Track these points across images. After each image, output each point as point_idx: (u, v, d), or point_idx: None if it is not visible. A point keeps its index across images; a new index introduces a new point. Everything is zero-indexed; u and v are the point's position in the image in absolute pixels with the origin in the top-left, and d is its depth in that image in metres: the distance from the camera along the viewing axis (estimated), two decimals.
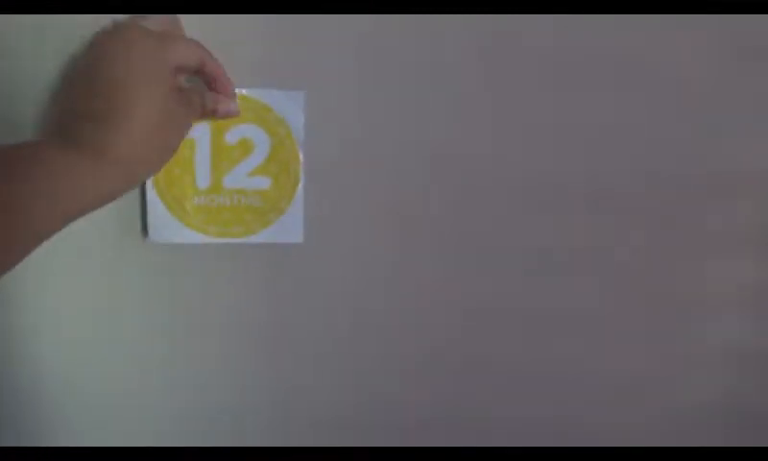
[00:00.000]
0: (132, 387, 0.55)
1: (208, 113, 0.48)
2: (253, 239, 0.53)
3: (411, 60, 0.52)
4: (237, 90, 0.50)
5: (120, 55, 0.41)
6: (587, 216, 0.57)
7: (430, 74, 0.52)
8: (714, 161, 0.58)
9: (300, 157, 0.52)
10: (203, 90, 0.48)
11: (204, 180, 0.52)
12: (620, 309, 0.61)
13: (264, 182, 0.53)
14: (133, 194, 0.51)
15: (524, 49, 0.53)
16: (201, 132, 0.51)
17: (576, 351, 0.61)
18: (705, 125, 0.57)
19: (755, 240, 0.60)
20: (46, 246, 0.39)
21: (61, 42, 0.46)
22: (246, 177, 0.52)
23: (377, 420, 0.60)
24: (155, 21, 0.44)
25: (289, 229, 0.54)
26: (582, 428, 0.63)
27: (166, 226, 0.52)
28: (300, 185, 0.53)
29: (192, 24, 0.47)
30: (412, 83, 0.52)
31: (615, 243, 0.58)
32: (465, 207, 0.56)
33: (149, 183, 0.51)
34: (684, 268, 0.60)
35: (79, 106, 0.42)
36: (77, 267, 0.52)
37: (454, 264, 0.57)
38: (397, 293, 0.57)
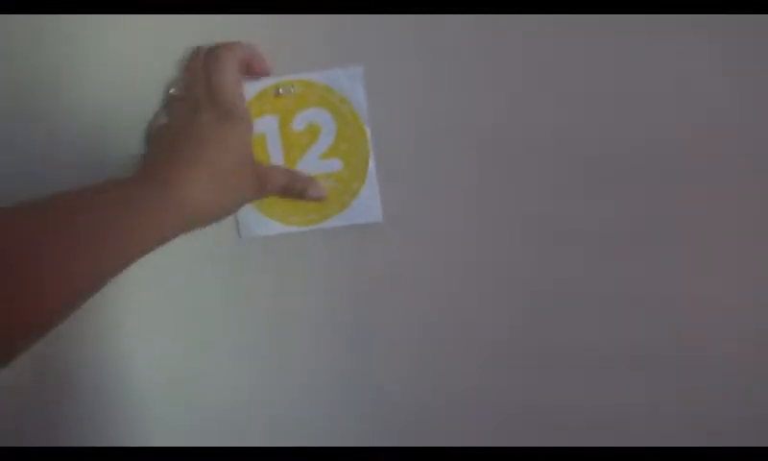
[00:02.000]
0: (227, 384, 0.58)
1: (296, 193, 0.51)
2: (333, 223, 0.53)
3: (469, 32, 0.48)
4: (297, 76, 0.50)
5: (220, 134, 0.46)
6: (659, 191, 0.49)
7: (491, 44, 0.48)
8: None
9: (368, 132, 0.51)
10: (292, 173, 0.52)
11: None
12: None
13: (336, 164, 0.52)
14: None
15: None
16: (269, 125, 0.52)
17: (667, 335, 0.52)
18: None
19: None
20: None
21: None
22: (317, 161, 0.52)
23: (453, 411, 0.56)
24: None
25: (367, 208, 0.53)
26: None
27: (254, 221, 0.54)
28: (372, 162, 0.52)
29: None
30: (472, 54, 0.49)
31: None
32: (539, 184, 0.50)
33: None
34: None
35: (167, 150, 0.46)
36: (176, 269, 0.55)
37: (533, 241, 0.52)
38: (478, 272, 0.53)
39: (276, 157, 0.52)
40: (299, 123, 0.52)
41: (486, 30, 0.48)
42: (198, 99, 0.47)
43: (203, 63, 0.48)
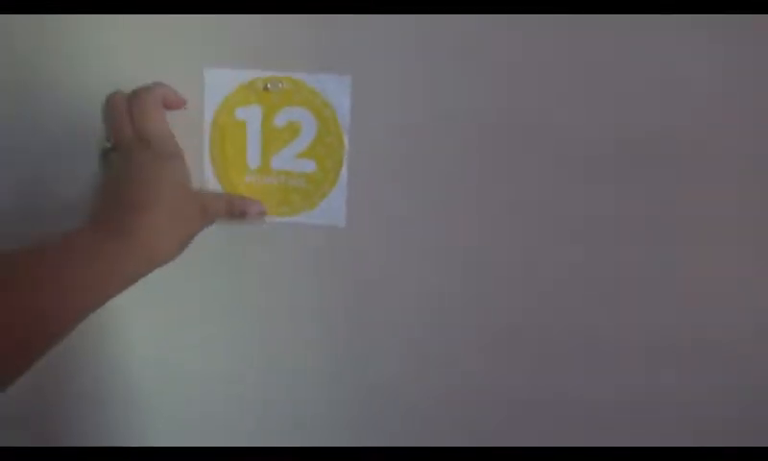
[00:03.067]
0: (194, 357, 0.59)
1: (237, 215, 0.53)
2: (298, 220, 0.55)
3: (456, 46, 0.51)
4: (287, 73, 0.52)
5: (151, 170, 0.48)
6: (642, 182, 0.52)
7: (475, 61, 0.51)
8: None
9: (345, 142, 0.53)
10: (229, 197, 0.54)
11: (254, 160, 0.54)
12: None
13: (309, 165, 0.54)
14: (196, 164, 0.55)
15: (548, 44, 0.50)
16: (252, 114, 0.53)
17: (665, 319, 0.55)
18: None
19: None
20: None
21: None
22: (293, 159, 0.54)
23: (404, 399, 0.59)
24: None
25: (332, 212, 0.55)
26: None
27: None
28: (344, 170, 0.54)
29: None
30: (457, 69, 0.51)
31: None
32: (509, 188, 0.53)
33: (207, 162, 0.55)
34: None
35: (113, 197, 0.48)
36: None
37: (496, 246, 0.55)
38: (437, 280, 0.56)
39: (254, 147, 0.54)
40: (281, 119, 0.54)
41: (472, 42, 0.51)
42: (130, 143, 0.49)
43: (126, 108, 0.50)
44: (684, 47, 0.49)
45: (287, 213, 0.55)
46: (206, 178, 0.55)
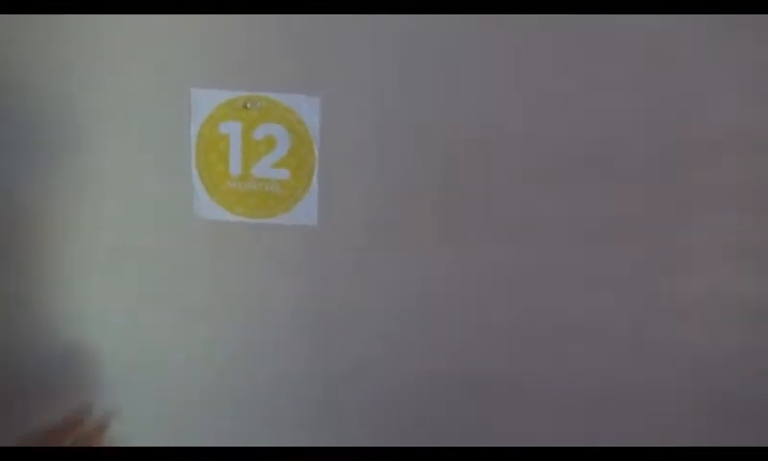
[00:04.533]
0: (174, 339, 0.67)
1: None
2: (275, 221, 0.63)
3: (416, 66, 0.59)
4: (265, 94, 0.60)
5: None
6: (600, 183, 0.61)
7: (431, 78, 0.59)
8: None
9: (316, 152, 0.61)
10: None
11: (235, 168, 0.62)
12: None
13: (284, 174, 0.62)
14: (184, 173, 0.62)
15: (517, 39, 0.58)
16: (233, 129, 0.61)
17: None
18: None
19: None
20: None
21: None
22: (270, 168, 0.62)
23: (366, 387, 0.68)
24: None
25: (304, 213, 0.63)
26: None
27: (206, 205, 0.63)
28: (315, 177, 0.62)
29: (220, 30, 0.58)
30: (416, 87, 0.60)
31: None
32: (463, 190, 0.62)
33: (193, 170, 0.62)
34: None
35: None
36: (137, 238, 0.64)
37: (447, 242, 0.64)
38: (399, 273, 0.64)
39: (235, 157, 0.62)
40: (259, 133, 0.61)
41: (442, 54, 0.59)
42: None
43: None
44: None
45: (265, 216, 0.63)
46: (193, 184, 0.62)
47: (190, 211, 0.63)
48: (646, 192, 0.61)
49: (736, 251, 0.62)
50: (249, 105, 0.60)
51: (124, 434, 0.66)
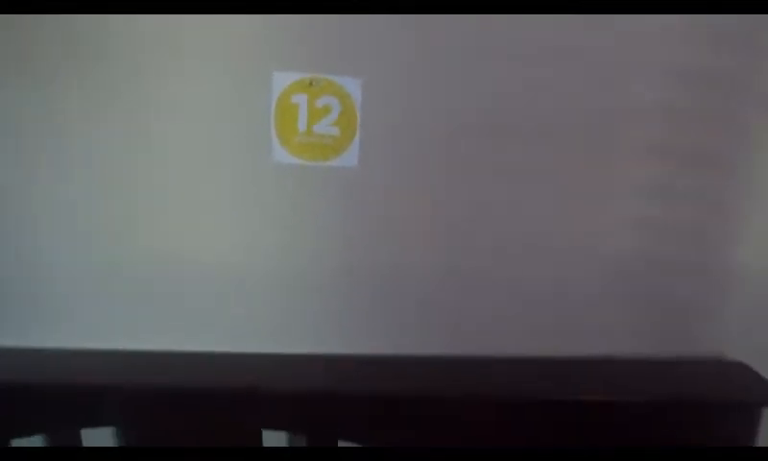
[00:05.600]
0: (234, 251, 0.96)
1: None
2: (327, 163, 0.91)
3: (429, 57, 0.87)
4: (324, 76, 0.87)
5: None
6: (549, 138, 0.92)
7: (440, 67, 0.88)
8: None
9: (358, 117, 0.89)
10: None
11: (302, 126, 0.90)
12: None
13: (336, 131, 0.90)
14: (266, 130, 0.89)
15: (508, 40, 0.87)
16: (301, 100, 0.89)
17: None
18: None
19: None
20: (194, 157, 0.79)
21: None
22: (326, 127, 0.90)
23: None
24: None
25: (349, 159, 0.91)
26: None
27: (279, 151, 0.91)
28: (357, 134, 0.90)
29: (293, 27, 0.85)
30: (430, 73, 0.88)
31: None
32: (464, 145, 0.92)
33: (273, 129, 0.89)
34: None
35: None
36: (231, 177, 0.92)
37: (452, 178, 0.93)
38: (417, 210, 0.94)
39: (302, 120, 0.89)
40: (319, 102, 0.89)
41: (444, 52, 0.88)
42: None
43: None
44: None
45: (321, 160, 0.91)
46: (272, 138, 0.90)
47: (269, 156, 0.91)
48: (575, 145, 0.92)
49: (644, 189, 0.94)
50: (313, 83, 0.88)
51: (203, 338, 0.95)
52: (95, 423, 0.93)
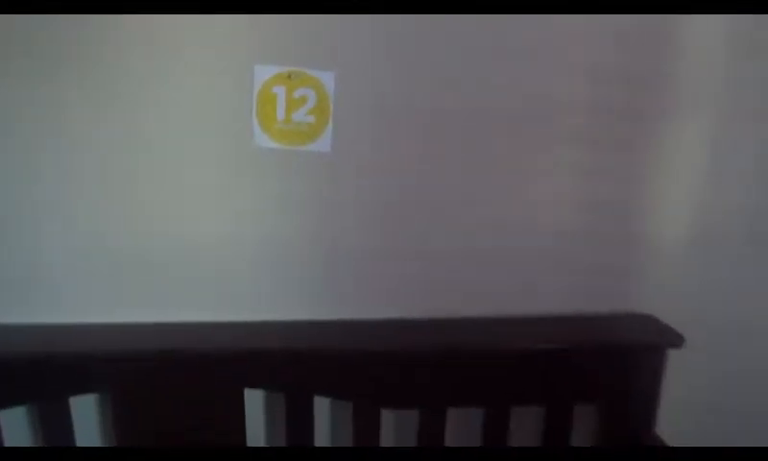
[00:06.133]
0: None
1: None
2: (303, 148, 1.02)
3: (395, 50, 0.99)
4: (301, 69, 0.97)
5: None
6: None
7: (408, 58, 1.00)
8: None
9: (331, 107, 1.00)
10: None
11: (281, 115, 1.00)
12: None
13: (311, 119, 1.01)
14: (248, 117, 0.99)
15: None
16: (280, 91, 0.98)
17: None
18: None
19: None
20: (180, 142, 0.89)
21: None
22: (303, 115, 1.00)
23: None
24: None
25: (322, 144, 1.02)
26: None
27: (261, 137, 1.00)
28: (330, 122, 1.01)
29: (272, 25, 0.95)
30: (397, 64, 1.00)
31: None
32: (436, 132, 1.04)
33: (254, 117, 0.99)
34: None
35: None
36: (214, 159, 1.00)
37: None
38: (380, 182, 1.06)
39: (281, 108, 0.99)
40: (297, 93, 0.99)
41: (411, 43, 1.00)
42: None
43: None
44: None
45: (298, 145, 1.02)
46: (254, 124, 0.99)
47: (252, 141, 1.00)
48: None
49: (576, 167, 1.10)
50: (291, 76, 0.98)
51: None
52: (103, 387, 1.02)
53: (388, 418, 1.13)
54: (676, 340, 1.08)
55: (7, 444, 1.03)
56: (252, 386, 1.05)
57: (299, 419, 1.08)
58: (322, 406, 1.12)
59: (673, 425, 1.13)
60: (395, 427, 1.16)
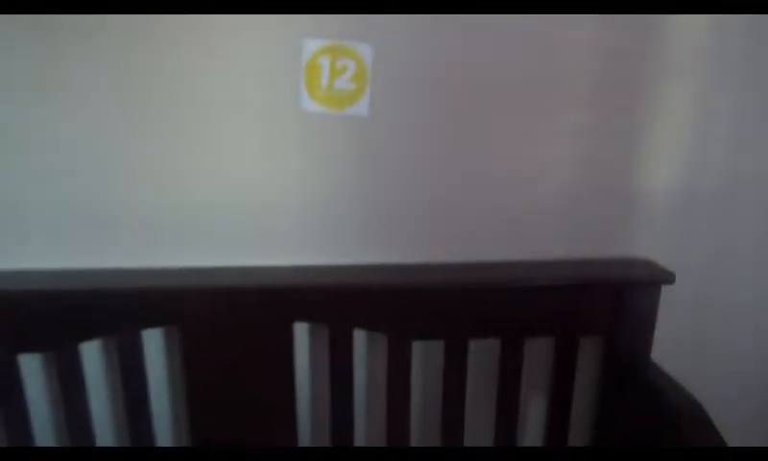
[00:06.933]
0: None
1: None
2: (344, 112, 1.18)
3: (423, 30, 1.15)
4: (342, 42, 1.14)
5: None
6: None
7: (438, 33, 1.16)
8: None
9: (369, 76, 1.16)
10: None
11: (325, 82, 1.16)
12: None
13: (352, 86, 1.17)
14: (297, 85, 1.15)
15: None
16: (324, 62, 1.14)
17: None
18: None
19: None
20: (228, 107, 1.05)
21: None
22: (344, 82, 1.16)
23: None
24: None
25: (361, 109, 1.18)
26: None
27: (307, 101, 1.17)
28: (368, 90, 1.17)
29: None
30: (425, 42, 1.16)
31: None
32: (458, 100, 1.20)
33: (302, 84, 1.15)
34: None
35: None
36: (266, 121, 1.17)
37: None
38: (413, 149, 1.22)
39: (325, 77, 1.15)
40: (339, 63, 1.15)
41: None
42: None
43: None
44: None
45: (339, 109, 1.18)
46: (301, 91, 1.15)
47: (300, 106, 1.16)
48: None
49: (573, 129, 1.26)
50: (334, 48, 1.14)
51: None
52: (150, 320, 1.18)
53: (417, 348, 1.29)
54: (668, 278, 1.24)
55: (86, 374, 1.20)
56: (300, 319, 1.21)
57: (339, 349, 1.24)
58: (359, 338, 1.28)
59: (666, 353, 1.29)
60: (423, 357, 1.32)
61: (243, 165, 1.19)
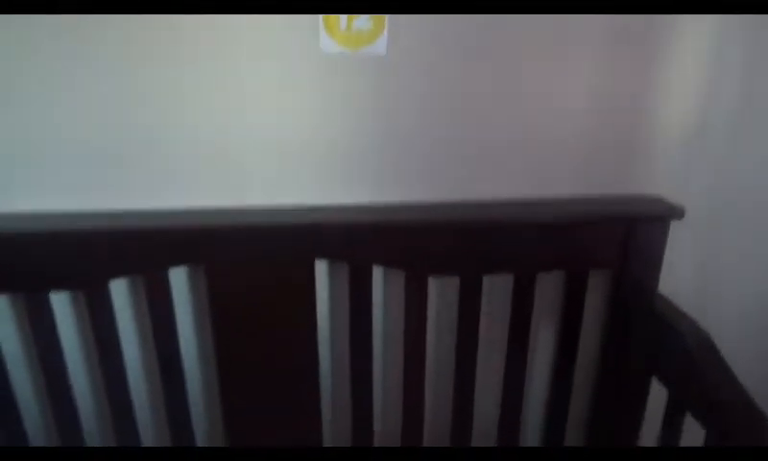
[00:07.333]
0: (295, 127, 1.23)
1: None
2: (363, 51, 1.19)
3: None
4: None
5: None
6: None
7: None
8: None
9: (386, 21, 1.17)
10: None
11: (344, 23, 1.17)
12: None
13: (369, 25, 1.17)
14: (317, 25, 1.15)
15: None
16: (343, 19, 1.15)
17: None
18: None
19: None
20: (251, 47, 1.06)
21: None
22: (363, 22, 1.17)
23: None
24: None
25: (379, 48, 1.19)
26: None
27: (327, 42, 1.18)
28: (385, 29, 1.18)
29: None
30: None
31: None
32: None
33: (321, 25, 1.16)
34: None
35: None
36: (293, 62, 1.18)
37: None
38: (426, 88, 1.23)
39: (344, 17, 1.16)
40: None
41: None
42: None
43: None
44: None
45: (357, 48, 1.19)
46: (320, 32, 1.16)
47: (319, 46, 1.17)
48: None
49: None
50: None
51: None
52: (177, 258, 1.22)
53: (433, 284, 1.34)
54: (678, 213, 1.28)
55: (115, 311, 1.24)
56: (321, 257, 1.25)
57: (359, 285, 1.28)
58: (377, 275, 1.32)
59: (673, 286, 1.34)
60: (438, 294, 1.37)
61: (261, 104, 1.20)
